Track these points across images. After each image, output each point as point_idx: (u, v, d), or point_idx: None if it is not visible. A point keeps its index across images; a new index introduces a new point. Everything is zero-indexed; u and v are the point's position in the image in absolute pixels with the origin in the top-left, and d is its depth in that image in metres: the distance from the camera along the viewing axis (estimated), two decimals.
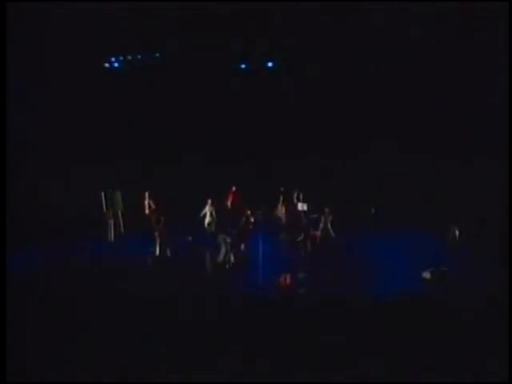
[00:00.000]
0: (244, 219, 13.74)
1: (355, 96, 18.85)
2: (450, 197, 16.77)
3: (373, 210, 15.53)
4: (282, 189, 18.07)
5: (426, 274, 11.91)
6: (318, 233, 15.01)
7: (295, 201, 17.72)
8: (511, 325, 8.26)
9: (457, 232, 13.04)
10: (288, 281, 11.86)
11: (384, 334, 8.50)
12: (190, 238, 15.24)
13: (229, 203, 17.44)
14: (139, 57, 18.68)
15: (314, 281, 12.15)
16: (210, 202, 15.85)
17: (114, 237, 15.69)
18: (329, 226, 15.40)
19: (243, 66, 19.16)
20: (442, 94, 17.85)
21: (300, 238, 15.13)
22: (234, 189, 17.41)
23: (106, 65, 18.86)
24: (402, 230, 15.19)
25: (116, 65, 18.88)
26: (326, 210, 15.40)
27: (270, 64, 18.96)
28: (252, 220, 13.93)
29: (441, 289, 11.17)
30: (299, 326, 8.81)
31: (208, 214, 15.83)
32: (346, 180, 18.36)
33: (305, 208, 17.33)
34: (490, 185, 15.41)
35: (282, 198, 17.93)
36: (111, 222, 15.68)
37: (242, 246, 13.71)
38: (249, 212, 13.91)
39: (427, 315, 9.30)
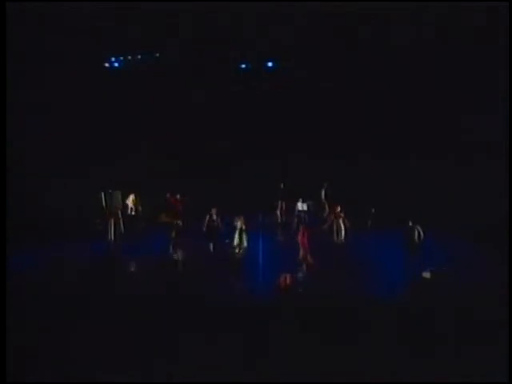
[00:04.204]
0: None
1: (355, 96, 18.86)
2: (450, 197, 16.79)
3: (373, 210, 15.50)
4: (281, 185, 18.03)
5: (426, 274, 11.91)
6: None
7: (323, 198, 17.67)
8: (511, 325, 8.26)
9: (421, 232, 12.82)
10: (288, 281, 11.85)
11: (384, 334, 8.50)
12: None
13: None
14: (139, 57, 18.67)
15: (314, 281, 12.14)
16: (132, 196, 15.84)
17: (114, 237, 15.69)
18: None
19: (243, 65, 19.16)
20: (441, 93, 17.85)
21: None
22: (178, 196, 17.05)
23: (106, 65, 18.86)
24: (401, 229, 15.17)
25: (116, 65, 18.88)
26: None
27: (269, 64, 18.96)
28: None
29: (441, 289, 11.18)
30: (298, 325, 8.82)
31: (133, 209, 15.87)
32: (345, 180, 18.33)
33: (305, 208, 17.32)
34: (490, 185, 15.41)
35: (281, 196, 17.95)
36: (111, 221, 15.68)
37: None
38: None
39: (427, 315, 9.31)
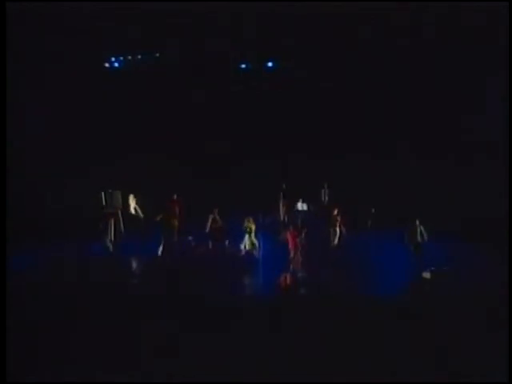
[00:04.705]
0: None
1: (355, 96, 18.87)
2: (450, 197, 16.79)
3: (373, 210, 15.51)
4: (283, 186, 18.02)
5: (426, 274, 11.92)
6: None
7: (323, 198, 17.73)
8: (511, 325, 8.26)
9: (424, 232, 12.77)
10: (288, 281, 11.86)
11: (384, 334, 8.50)
12: (190, 238, 15.25)
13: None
14: (139, 57, 18.68)
15: (314, 281, 12.15)
16: (132, 196, 15.91)
17: (114, 237, 15.68)
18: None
19: (243, 65, 19.17)
20: (441, 93, 17.85)
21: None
22: (175, 197, 16.98)
23: (106, 65, 18.86)
24: (401, 229, 15.19)
25: (116, 65, 18.88)
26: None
27: (270, 64, 18.98)
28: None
29: (441, 289, 11.18)
30: (298, 325, 8.82)
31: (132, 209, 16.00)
32: (345, 180, 18.34)
33: (305, 208, 17.32)
34: (490, 185, 15.42)
35: (282, 196, 17.95)
36: (111, 221, 15.68)
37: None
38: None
39: (427, 315, 9.31)
